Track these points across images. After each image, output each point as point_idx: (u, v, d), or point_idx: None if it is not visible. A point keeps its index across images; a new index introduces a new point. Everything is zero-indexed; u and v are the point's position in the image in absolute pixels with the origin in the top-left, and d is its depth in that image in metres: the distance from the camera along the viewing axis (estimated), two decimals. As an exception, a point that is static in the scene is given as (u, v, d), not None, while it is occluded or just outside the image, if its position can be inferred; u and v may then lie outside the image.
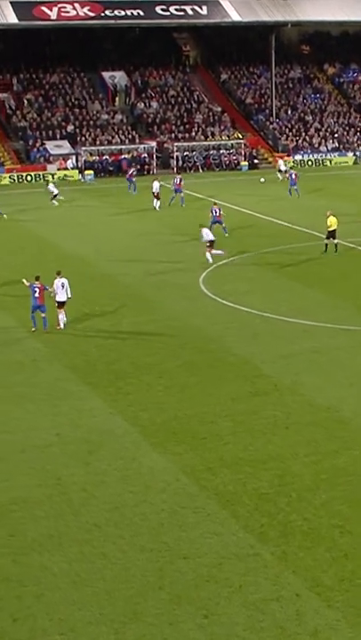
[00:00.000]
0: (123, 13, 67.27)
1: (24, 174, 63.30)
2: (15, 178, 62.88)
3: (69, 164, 64.83)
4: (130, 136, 68.46)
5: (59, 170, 64.00)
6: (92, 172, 63.74)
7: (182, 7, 68.83)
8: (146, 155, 65.94)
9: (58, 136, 67.52)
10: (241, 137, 69.52)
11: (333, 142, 71.52)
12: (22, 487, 17.76)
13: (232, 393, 22.33)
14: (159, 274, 35.15)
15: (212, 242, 36.18)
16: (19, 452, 19.37)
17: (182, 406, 21.58)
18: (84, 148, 65.22)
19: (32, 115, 68.90)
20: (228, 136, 69.55)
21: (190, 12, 69.00)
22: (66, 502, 17.09)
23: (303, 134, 71.65)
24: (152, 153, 65.98)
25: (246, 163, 67.01)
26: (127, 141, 67.67)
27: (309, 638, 13.11)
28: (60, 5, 66.34)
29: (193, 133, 69.64)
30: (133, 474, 18.19)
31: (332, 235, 37.07)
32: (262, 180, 58.69)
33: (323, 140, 71.35)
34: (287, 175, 56.05)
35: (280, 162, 61.67)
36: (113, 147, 66.39)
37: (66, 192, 55.01)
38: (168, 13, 68.43)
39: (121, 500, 17.14)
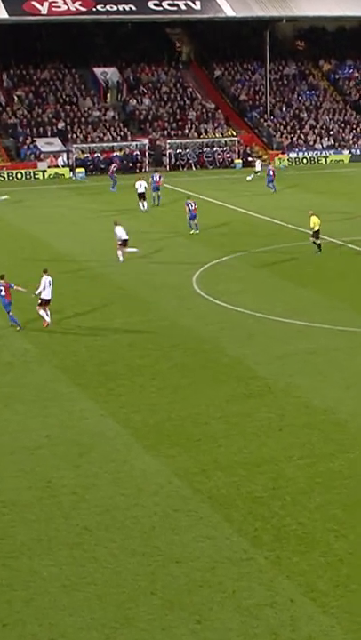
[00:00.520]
0: (115, 8, 66.93)
1: (14, 172, 62.92)
2: (5, 176, 62.52)
3: (60, 161, 64.51)
4: (122, 133, 68.20)
5: (49, 167, 63.65)
6: (83, 169, 63.46)
7: (175, 2, 68.53)
8: (138, 152, 65.68)
9: (49, 133, 67.19)
10: (235, 134, 69.34)
11: (329, 140, 71.26)
12: (11, 490, 17.63)
13: (226, 394, 22.20)
14: (151, 273, 34.97)
15: (125, 241, 36.11)
16: (8, 453, 19.25)
17: (175, 408, 21.44)
18: (75, 146, 64.93)
19: (22, 111, 68.54)
20: (222, 133, 69.35)
21: (183, 7, 68.71)
22: (56, 505, 16.97)
23: (298, 132, 71.40)
24: (144, 150, 65.72)
25: (240, 160, 66.79)
26: (119, 138, 67.41)
27: (304, 645, 12.99)
28: (50, 0, 65.95)
29: (186, 131, 69.40)
30: (125, 476, 18.07)
31: (316, 234, 37.02)
32: (249, 178, 58.40)
33: (318, 138, 71.13)
34: (266, 170, 55.43)
35: (257, 162, 61.11)
36: (105, 144, 66.11)
37: (56, 190, 54.69)
38: (161, 8, 68.11)
39: (112, 502, 17.02)
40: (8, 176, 62.51)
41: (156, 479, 17.85)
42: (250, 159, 65.86)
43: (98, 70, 72.78)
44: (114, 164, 58.57)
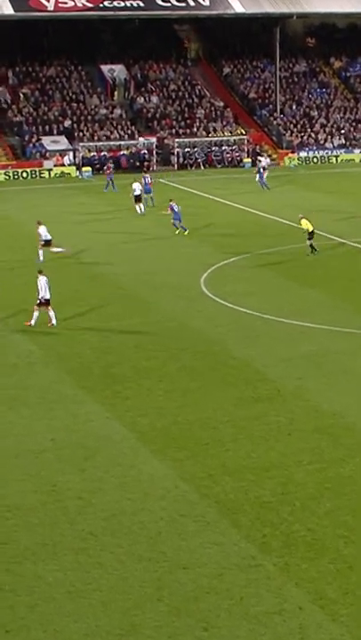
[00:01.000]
0: (122, 4, 66.69)
1: (19, 171, 62.79)
2: (10, 174, 62.40)
3: (66, 160, 64.33)
4: (129, 131, 68.03)
5: (55, 166, 63.48)
6: (89, 168, 63.27)
7: (184, -2, 68.18)
8: (145, 151, 65.46)
9: (55, 131, 67.03)
10: (244, 133, 69.06)
11: (340, 139, 70.85)
12: (16, 493, 17.52)
13: (234, 398, 22.05)
14: (158, 273, 34.75)
15: (48, 241, 35.97)
16: (12, 457, 19.13)
17: (183, 411, 21.27)
18: (81, 144, 64.78)
19: (28, 109, 68.39)
20: (231, 132, 69.11)
21: (192, 4, 68.37)
22: (61, 510, 16.84)
23: (308, 130, 71.05)
24: (152, 149, 65.52)
25: (249, 159, 66.48)
26: (126, 137, 67.24)
27: (313, 654, 12.84)
28: (56, -4, 65.72)
29: (194, 129, 69.19)
30: (131, 481, 17.93)
31: (311, 236, 36.92)
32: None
33: (329, 137, 70.75)
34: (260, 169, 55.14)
35: (262, 159, 60.70)
36: (112, 142, 65.95)
37: (62, 189, 54.47)
38: (169, 4, 67.80)
39: (118, 507, 16.89)
40: (13, 175, 62.41)
41: (162, 484, 17.69)
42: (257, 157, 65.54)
43: (105, 67, 72.59)
44: (110, 165, 58.02)
